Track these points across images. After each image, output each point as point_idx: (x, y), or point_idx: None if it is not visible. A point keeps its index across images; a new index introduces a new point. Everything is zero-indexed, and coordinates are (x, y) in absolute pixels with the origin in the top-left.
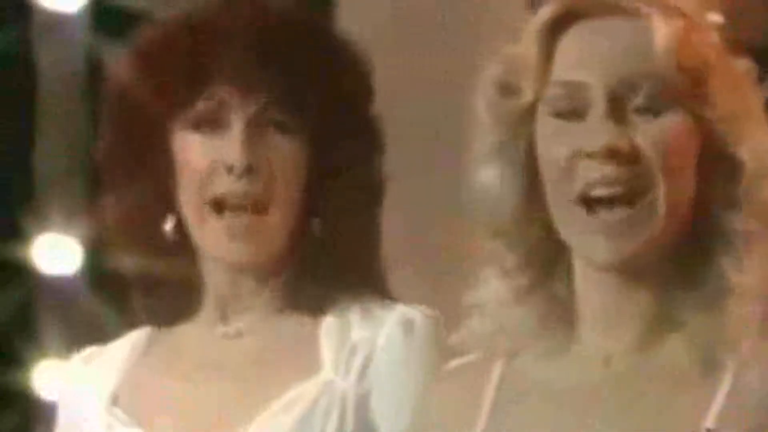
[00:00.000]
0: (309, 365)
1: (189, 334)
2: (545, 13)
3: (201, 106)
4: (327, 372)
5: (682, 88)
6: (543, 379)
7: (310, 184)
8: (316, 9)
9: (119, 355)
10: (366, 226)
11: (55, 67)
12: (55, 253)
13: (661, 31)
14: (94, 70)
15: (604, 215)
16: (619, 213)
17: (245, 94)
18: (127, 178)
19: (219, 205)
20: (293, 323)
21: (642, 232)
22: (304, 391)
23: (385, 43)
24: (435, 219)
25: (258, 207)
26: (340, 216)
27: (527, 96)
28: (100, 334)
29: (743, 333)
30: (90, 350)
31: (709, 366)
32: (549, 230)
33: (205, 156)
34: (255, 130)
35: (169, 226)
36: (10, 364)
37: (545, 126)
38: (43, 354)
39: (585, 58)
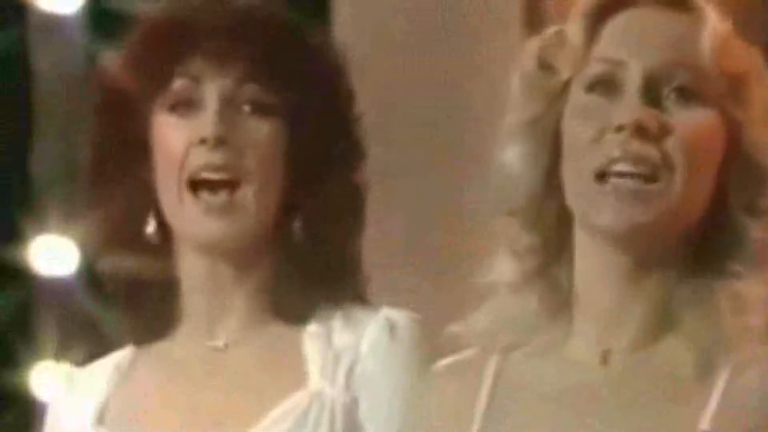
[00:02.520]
0: (296, 376)
1: (173, 350)
2: None
3: (176, 85)
4: (315, 382)
5: (718, 87)
6: (539, 376)
7: (290, 182)
8: (315, 12)
9: (103, 375)
10: (347, 232)
11: (52, 69)
12: (53, 254)
13: (709, 29)
14: (92, 72)
15: (622, 183)
16: (635, 185)
17: (218, 67)
18: (110, 181)
19: (195, 185)
20: (277, 334)
21: (652, 208)
22: (294, 403)
23: (385, 44)
24: (435, 219)
25: (231, 183)
26: (321, 221)
27: (565, 73)
28: (97, 335)
29: (743, 338)
30: (72, 371)
31: (707, 367)
32: (562, 217)
33: (181, 136)
34: (229, 106)
35: (150, 228)
36: (9, 365)
37: (577, 101)
38: (41, 355)
39: (627, 40)
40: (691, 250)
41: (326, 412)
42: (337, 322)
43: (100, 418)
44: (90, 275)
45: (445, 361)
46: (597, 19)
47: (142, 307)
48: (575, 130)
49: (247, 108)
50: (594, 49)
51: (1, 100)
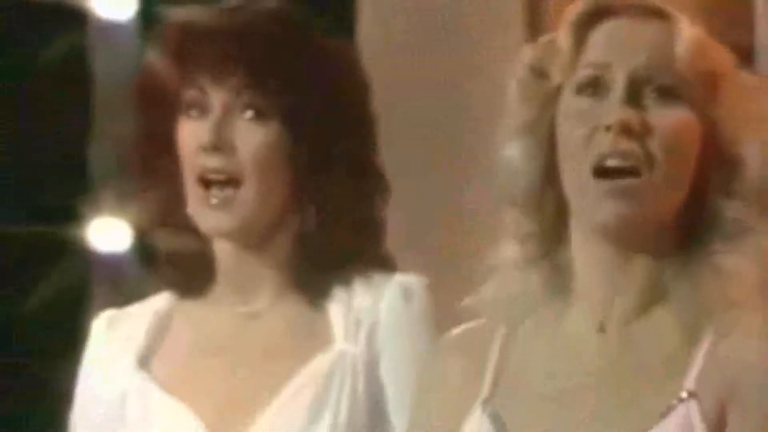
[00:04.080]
0: (322, 339)
1: (208, 311)
2: (580, 6)
3: (188, 94)
4: (339, 343)
5: (694, 87)
6: (542, 347)
7: (298, 171)
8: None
9: (143, 321)
10: (361, 216)
11: (108, 70)
12: (108, 234)
13: (683, 35)
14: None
15: (614, 184)
16: (626, 181)
17: (219, 78)
18: (155, 169)
19: (204, 182)
20: (304, 302)
21: (642, 201)
22: (321, 363)
23: (385, 44)
24: (435, 219)
25: (233, 181)
26: (333, 205)
27: (556, 79)
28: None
29: (724, 308)
30: (111, 313)
31: (692, 335)
32: (560, 206)
33: (192, 138)
34: (230, 113)
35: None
36: (70, 334)
37: (569, 104)
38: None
39: (611, 46)
40: (676, 232)
41: (350, 371)
42: (357, 288)
43: (142, 362)
44: (141, 252)
45: (455, 331)
46: (583, 27)
47: (182, 268)
48: (569, 130)
49: (248, 113)
50: (581, 55)
51: (63, 98)
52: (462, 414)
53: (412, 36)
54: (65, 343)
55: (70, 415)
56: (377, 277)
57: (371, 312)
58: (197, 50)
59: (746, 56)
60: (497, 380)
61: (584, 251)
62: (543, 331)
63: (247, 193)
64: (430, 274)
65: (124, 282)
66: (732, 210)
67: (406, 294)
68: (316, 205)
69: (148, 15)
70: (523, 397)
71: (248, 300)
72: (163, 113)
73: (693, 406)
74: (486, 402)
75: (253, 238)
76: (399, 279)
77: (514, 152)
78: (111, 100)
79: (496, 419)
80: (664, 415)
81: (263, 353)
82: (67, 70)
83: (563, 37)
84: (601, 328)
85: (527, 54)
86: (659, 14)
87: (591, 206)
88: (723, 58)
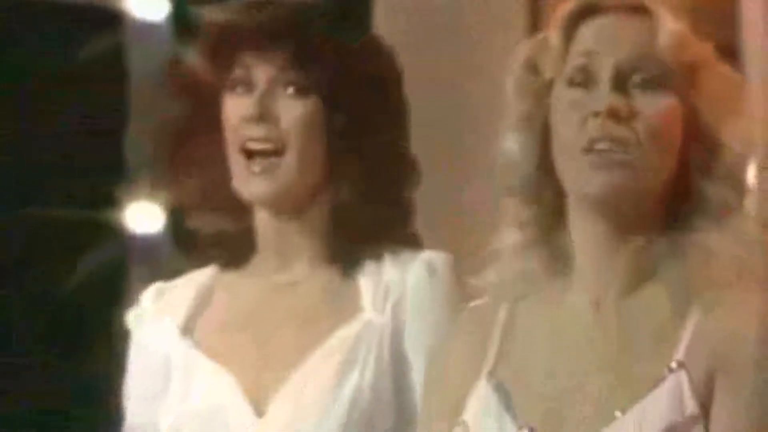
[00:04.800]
0: (352, 308)
1: (247, 281)
2: (569, 5)
3: (236, 73)
4: (367, 312)
5: (676, 77)
6: (542, 321)
7: (334, 145)
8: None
9: (187, 291)
10: (391, 193)
11: (143, 67)
12: (143, 217)
13: (664, 28)
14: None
15: (602, 156)
16: (614, 155)
17: (265, 58)
18: (200, 148)
19: (248, 152)
20: (337, 273)
21: (629, 174)
22: (350, 330)
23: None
24: (435, 218)
25: (275, 150)
26: (365, 181)
27: (548, 74)
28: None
29: (710, 283)
30: (160, 285)
31: (681, 309)
32: (556, 193)
33: (237, 112)
34: (274, 89)
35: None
36: (109, 313)
37: (562, 95)
38: (135, 302)
39: (599, 39)
40: (663, 213)
41: (376, 338)
42: (387, 262)
43: (186, 330)
44: (175, 233)
45: (465, 307)
46: (572, 24)
47: (225, 243)
48: (562, 120)
49: (290, 89)
50: (571, 50)
51: (101, 92)
52: (469, 384)
53: (413, 36)
54: (105, 319)
55: (124, 384)
56: (405, 253)
57: (398, 285)
58: (245, 31)
59: (732, 55)
60: (501, 353)
61: (580, 232)
62: (544, 307)
63: (288, 161)
64: None
65: (158, 261)
66: (713, 191)
67: (431, 270)
68: (350, 179)
69: (179, 15)
70: (525, 368)
71: (286, 269)
72: (208, 95)
73: (682, 376)
74: (490, 373)
75: (292, 206)
76: (425, 255)
77: (511, 144)
78: (145, 94)
79: (500, 389)
80: (655, 384)
81: (298, 319)
82: (105, 66)
83: (554, 34)
84: (596, 304)
85: (521, 51)
86: (643, 11)
87: (582, 179)
88: (703, 49)
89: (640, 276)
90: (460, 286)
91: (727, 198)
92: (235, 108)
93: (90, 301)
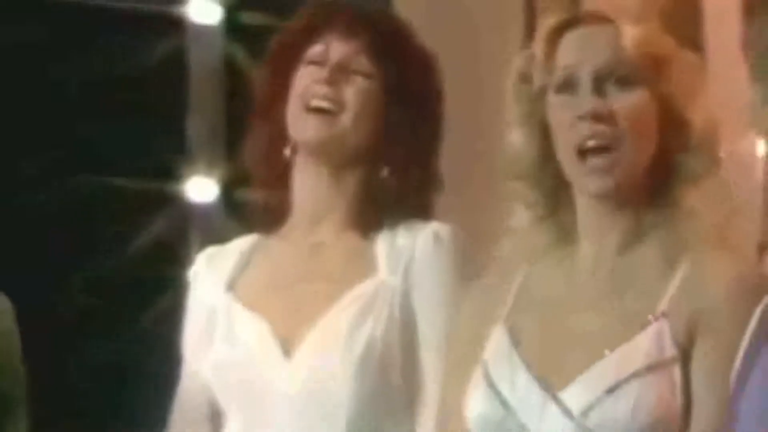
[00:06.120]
0: (369, 268)
1: (283, 243)
2: (549, 22)
3: (316, 48)
4: (381, 273)
5: (645, 72)
6: (550, 280)
7: (386, 125)
8: None
9: (233, 254)
10: (423, 177)
11: (201, 63)
12: (201, 189)
13: (628, 33)
14: (229, 67)
15: (594, 161)
16: (604, 158)
17: (341, 41)
18: (266, 121)
19: (311, 109)
20: (357, 237)
21: (619, 171)
22: (366, 287)
23: None
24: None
25: (334, 109)
26: (402, 164)
27: (538, 82)
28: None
29: (692, 243)
30: (211, 250)
31: (669, 268)
32: (558, 176)
33: (308, 78)
34: (343, 68)
35: (287, 152)
36: (170, 271)
37: (552, 100)
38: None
39: (577, 50)
40: (650, 185)
41: (388, 296)
42: (400, 230)
43: (230, 286)
44: (228, 203)
45: (489, 268)
46: (553, 38)
47: (268, 208)
48: (555, 121)
49: (357, 70)
50: (554, 60)
51: (166, 86)
52: (488, 328)
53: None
54: (166, 280)
55: (184, 331)
56: (416, 223)
57: (408, 251)
58: (330, 15)
59: (696, 48)
60: (515, 303)
61: (583, 209)
62: (552, 269)
63: (344, 120)
64: None
65: (213, 227)
66: (687, 161)
67: (437, 238)
68: (392, 158)
69: (230, 20)
70: (533, 316)
71: (315, 232)
72: (287, 65)
73: (665, 324)
74: (507, 317)
75: (337, 160)
76: (433, 226)
77: (516, 138)
78: (203, 87)
79: (512, 332)
80: (641, 328)
81: (323, 276)
82: (170, 64)
83: (538, 48)
84: (595, 264)
85: (515, 64)
86: (607, 20)
87: (581, 182)
88: (665, 42)
89: (634, 237)
90: (465, 256)
91: (700, 165)
92: (306, 76)
93: (156, 259)
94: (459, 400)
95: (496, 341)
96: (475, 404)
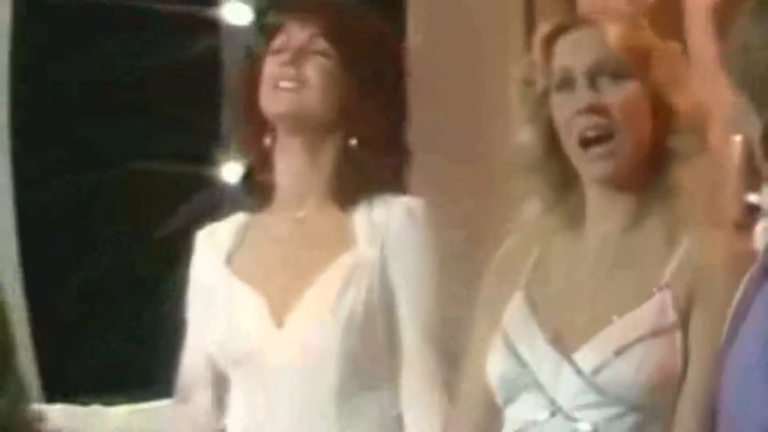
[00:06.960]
0: (348, 241)
1: (272, 218)
2: (543, 30)
3: (279, 39)
4: (360, 245)
5: (633, 65)
6: (563, 254)
7: (348, 99)
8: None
9: (229, 231)
10: (389, 149)
11: (234, 60)
12: (232, 172)
13: (613, 32)
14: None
15: (595, 149)
16: (603, 147)
17: (300, 27)
18: (249, 112)
19: (278, 88)
20: (337, 211)
21: (618, 156)
22: (347, 259)
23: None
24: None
25: (298, 86)
26: (370, 138)
27: (540, 85)
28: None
29: (690, 220)
30: (210, 227)
31: (671, 243)
32: (565, 167)
33: (275, 64)
34: (304, 50)
35: (267, 140)
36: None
37: (555, 100)
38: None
39: (570, 52)
40: (650, 169)
41: (368, 267)
42: (376, 204)
43: (228, 261)
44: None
45: (509, 240)
46: (549, 44)
47: (255, 192)
48: (559, 118)
49: (317, 53)
50: (551, 63)
51: (203, 82)
52: (509, 296)
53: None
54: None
55: (188, 298)
56: (391, 198)
57: (384, 224)
58: (291, 8)
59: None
60: (533, 275)
61: (589, 194)
62: (565, 245)
63: (308, 93)
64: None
65: (243, 206)
66: (678, 142)
67: (410, 212)
68: (356, 129)
69: (260, 20)
70: (549, 286)
71: (301, 206)
72: (259, 61)
73: (667, 295)
74: (524, 288)
75: (309, 131)
76: (405, 200)
77: (524, 136)
78: (236, 81)
79: (530, 300)
80: (646, 298)
81: (308, 249)
82: (206, 60)
83: (536, 53)
84: (604, 241)
85: (518, 69)
86: (595, 23)
87: (585, 169)
88: (648, 36)
89: (637, 216)
90: (437, 228)
91: (689, 146)
92: (273, 62)
93: (191, 237)
94: (480, 364)
95: (516, 309)
96: (496, 365)
